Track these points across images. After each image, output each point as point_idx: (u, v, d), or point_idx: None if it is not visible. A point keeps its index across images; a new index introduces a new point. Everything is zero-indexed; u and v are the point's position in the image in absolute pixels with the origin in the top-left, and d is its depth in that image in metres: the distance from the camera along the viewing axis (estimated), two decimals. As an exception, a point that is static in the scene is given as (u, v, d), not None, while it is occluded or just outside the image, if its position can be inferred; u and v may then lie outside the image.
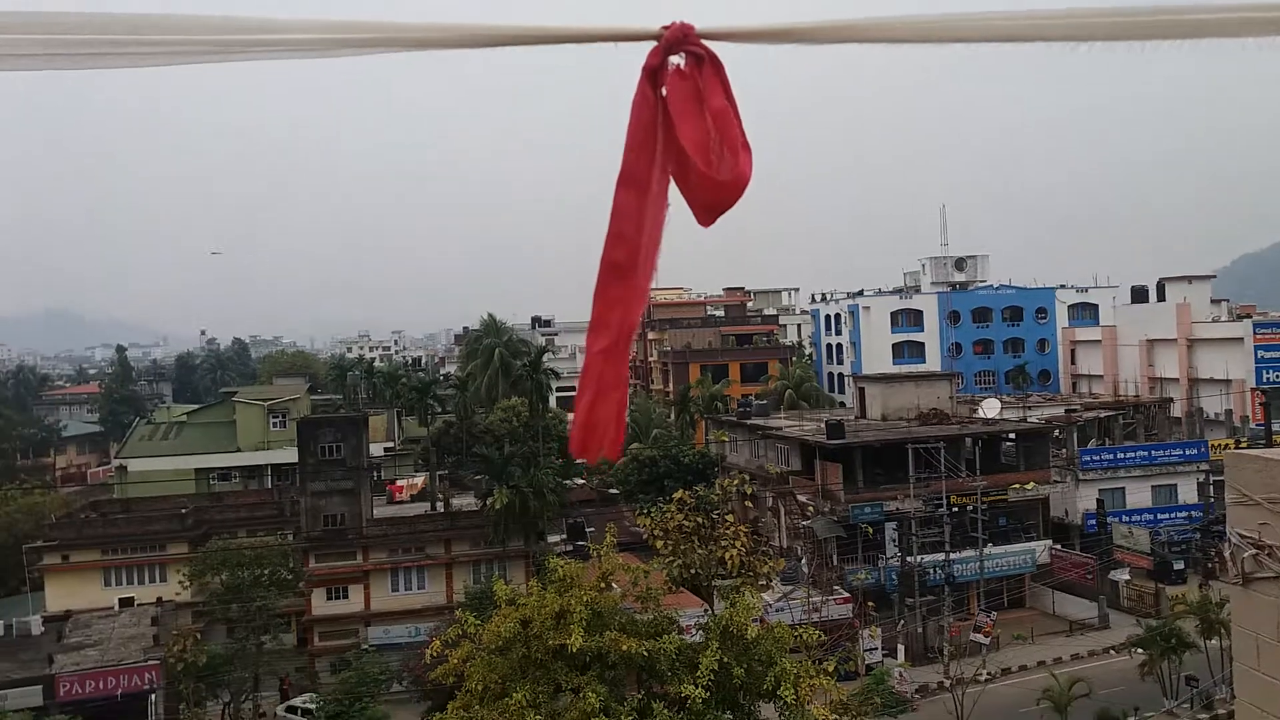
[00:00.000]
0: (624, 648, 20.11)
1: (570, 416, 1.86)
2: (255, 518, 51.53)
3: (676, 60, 1.74)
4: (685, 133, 1.72)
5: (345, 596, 46.17)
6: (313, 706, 38.12)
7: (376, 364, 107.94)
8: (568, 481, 57.93)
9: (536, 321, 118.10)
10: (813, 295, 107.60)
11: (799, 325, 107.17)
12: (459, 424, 65.55)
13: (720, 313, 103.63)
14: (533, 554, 46.17)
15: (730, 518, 26.96)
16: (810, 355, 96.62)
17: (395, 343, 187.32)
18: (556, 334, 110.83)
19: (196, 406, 79.85)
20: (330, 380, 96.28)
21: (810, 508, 47.67)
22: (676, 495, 26.29)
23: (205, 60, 1.67)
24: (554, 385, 72.69)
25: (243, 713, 38.97)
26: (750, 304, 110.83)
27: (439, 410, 68.77)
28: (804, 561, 45.05)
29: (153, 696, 35.12)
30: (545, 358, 71.02)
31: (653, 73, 1.75)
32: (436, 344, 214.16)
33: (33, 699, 32.41)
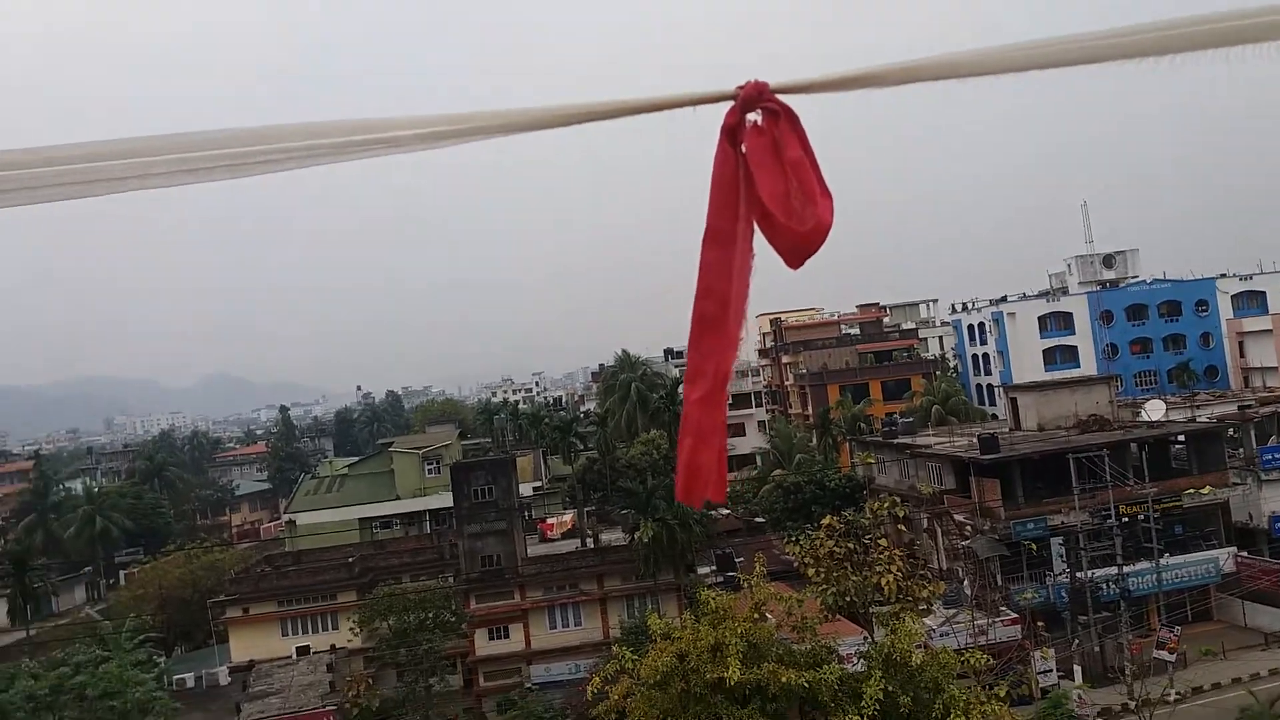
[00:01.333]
0: (783, 679, 19.87)
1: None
2: (417, 563, 53.42)
3: (754, 117, 1.81)
4: (764, 185, 1.79)
5: (506, 636, 47.22)
6: (482, 747, 39.06)
7: (520, 406, 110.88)
8: (713, 512, 57.76)
9: (669, 354, 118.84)
10: (952, 305, 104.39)
11: (940, 337, 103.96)
12: (601, 460, 66.45)
13: (855, 331, 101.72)
14: (683, 586, 46.16)
15: (883, 542, 26.26)
16: (955, 368, 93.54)
17: (536, 384, 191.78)
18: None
19: (356, 459, 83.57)
20: (478, 425, 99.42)
21: (969, 527, 45.94)
22: (825, 521, 25.81)
23: (326, 161, 1.83)
24: (693, 416, 72.74)
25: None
26: (886, 319, 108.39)
27: (581, 447, 69.98)
28: (966, 583, 43.37)
29: (332, 740, 36.68)
30: (680, 389, 71.35)
31: (731, 131, 1.83)
32: (575, 383, 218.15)
33: (226, 745, 34.40)
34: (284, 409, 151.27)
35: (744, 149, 1.83)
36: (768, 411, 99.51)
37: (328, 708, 37.89)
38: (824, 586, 24.18)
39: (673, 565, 47.01)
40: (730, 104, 1.83)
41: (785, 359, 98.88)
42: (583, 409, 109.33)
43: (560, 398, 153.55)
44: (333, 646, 46.69)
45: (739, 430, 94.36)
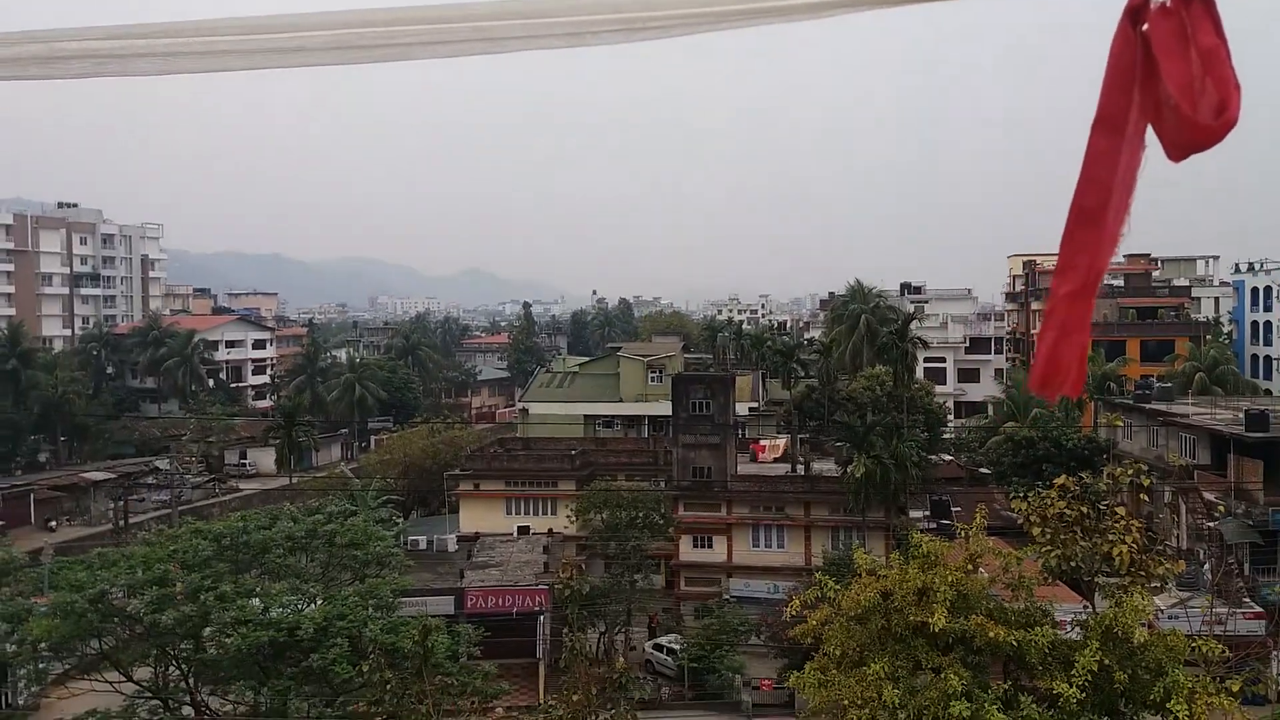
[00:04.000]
0: (990, 634, 19.24)
1: (1035, 361, 1.90)
2: (633, 463, 55.54)
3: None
4: (1169, 73, 1.67)
5: (710, 546, 48.46)
6: (677, 647, 40.60)
7: (744, 327, 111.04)
8: (933, 457, 55.98)
9: (905, 288, 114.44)
10: (1236, 264, 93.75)
11: (1217, 299, 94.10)
12: (821, 389, 65.64)
13: (1119, 282, 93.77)
14: (893, 527, 45.36)
15: (1120, 510, 24.46)
16: (1229, 334, 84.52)
17: (762, 306, 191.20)
18: (927, 301, 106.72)
19: (587, 359, 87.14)
20: (701, 340, 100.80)
21: (1220, 508, 42.05)
22: (1058, 481, 24.34)
23: (707, 29, 1.87)
24: (921, 355, 70.25)
25: (615, 644, 42.41)
26: (1156, 273, 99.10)
27: (802, 374, 69.40)
28: (1206, 567, 39.92)
29: (541, 618, 39.27)
30: (913, 326, 68.79)
31: (1134, 12, 1.72)
32: (801, 309, 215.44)
33: (445, 608, 37.57)
34: (527, 305, 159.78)
35: (1145, 31, 1.73)
36: (1007, 359, 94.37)
37: (541, 586, 40.50)
38: (1048, 548, 22.97)
39: (884, 504, 46.21)
40: None
41: (1035, 305, 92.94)
42: (807, 336, 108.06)
43: (785, 322, 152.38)
44: (550, 530, 49.72)
45: (973, 376, 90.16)
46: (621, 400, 69.37)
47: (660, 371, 68.67)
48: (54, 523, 61.63)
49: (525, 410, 70.70)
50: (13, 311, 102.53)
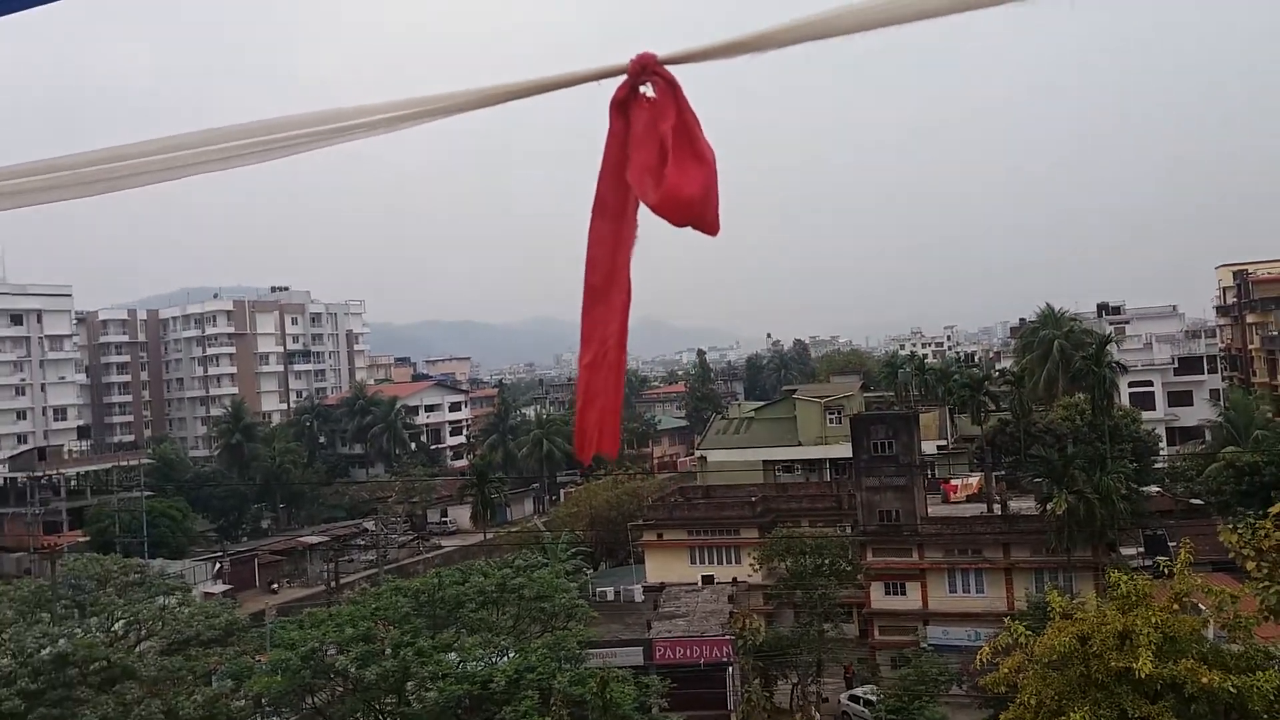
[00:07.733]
0: (1204, 680, 17.69)
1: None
2: (815, 509, 54.52)
3: (644, 90, 1.81)
4: (635, 159, 1.81)
5: (903, 593, 46.73)
6: (874, 699, 39.21)
7: (928, 360, 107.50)
8: (1144, 489, 52.05)
9: (1103, 309, 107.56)
10: None
11: None
12: (1015, 422, 62.38)
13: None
14: (1102, 565, 42.33)
15: (1355, 540, 21.88)
16: None
17: (948, 338, 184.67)
18: (1128, 322, 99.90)
19: (763, 403, 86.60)
20: (882, 377, 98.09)
21: None
22: (1274, 509, 22.05)
23: (288, 154, 1.96)
24: (1123, 380, 65.71)
25: (808, 695, 41.41)
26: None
27: (993, 408, 66.23)
28: None
29: (731, 668, 38.92)
30: (1111, 349, 64.54)
31: (622, 105, 1.84)
32: (991, 338, 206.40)
33: (634, 658, 37.90)
34: (701, 353, 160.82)
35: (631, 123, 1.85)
36: (1223, 378, 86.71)
37: (728, 636, 40.22)
38: (1266, 584, 20.83)
39: (1091, 542, 43.27)
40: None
41: (1251, 318, 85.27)
42: (997, 367, 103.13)
43: (973, 353, 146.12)
44: (734, 579, 49.39)
45: (1185, 399, 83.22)
46: (800, 444, 68.37)
47: (839, 412, 67.22)
48: (276, 585, 66.68)
49: (703, 458, 70.85)
50: (235, 390, 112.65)
